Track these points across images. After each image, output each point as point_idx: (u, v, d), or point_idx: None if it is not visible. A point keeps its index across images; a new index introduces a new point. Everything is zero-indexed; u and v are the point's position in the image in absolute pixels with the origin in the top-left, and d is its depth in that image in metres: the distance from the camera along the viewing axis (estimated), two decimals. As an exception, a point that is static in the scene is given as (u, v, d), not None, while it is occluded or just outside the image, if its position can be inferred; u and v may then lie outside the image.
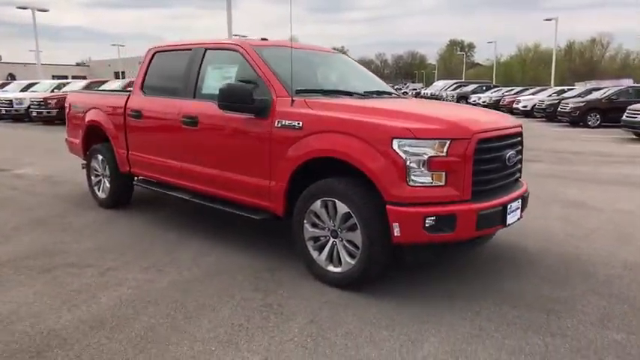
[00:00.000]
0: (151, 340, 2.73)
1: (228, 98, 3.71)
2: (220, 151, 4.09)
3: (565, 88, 24.00)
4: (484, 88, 29.78)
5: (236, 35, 44.80)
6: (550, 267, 3.86)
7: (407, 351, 2.63)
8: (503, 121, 3.65)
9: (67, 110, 6.27)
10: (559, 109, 18.06)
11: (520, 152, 3.70)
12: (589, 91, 19.25)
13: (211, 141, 4.17)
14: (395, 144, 3.04)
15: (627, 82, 36.17)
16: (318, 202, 3.43)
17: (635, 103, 14.20)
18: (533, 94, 23.68)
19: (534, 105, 20.95)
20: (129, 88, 6.69)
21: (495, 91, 27.99)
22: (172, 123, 4.48)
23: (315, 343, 2.69)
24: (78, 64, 69.88)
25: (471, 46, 78.13)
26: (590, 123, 16.79)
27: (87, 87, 16.99)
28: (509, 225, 3.42)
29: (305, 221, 3.54)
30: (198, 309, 3.11)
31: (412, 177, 3.02)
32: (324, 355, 2.58)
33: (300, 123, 3.47)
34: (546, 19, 34.92)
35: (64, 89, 17.95)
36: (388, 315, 3.03)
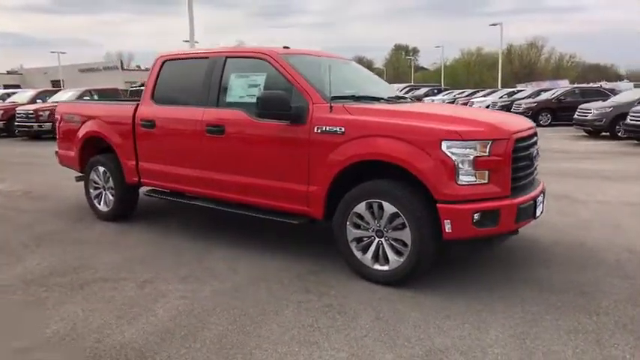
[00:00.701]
0: (230, 346, 2.77)
1: (267, 106, 3.78)
2: (252, 158, 4.14)
3: (515, 89, 25.43)
4: (435, 90, 30.98)
5: (186, 41, 43.83)
6: (564, 255, 4.20)
7: (476, 337, 2.82)
8: (524, 122, 3.95)
9: (57, 122, 6.05)
10: (512, 109, 19.15)
11: (538, 150, 4.01)
12: (538, 92, 20.54)
13: (241, 148, 4.20)
14: (444, 146, 3.24)
15: (563, 83, 38.78)
16: (363, 204, 3.56)
17: (582, 103, 15.35)
18: (485, 96, 24.93)
19: (488, 106, 22.07)
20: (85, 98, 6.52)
21: (447, 94, 29.20)
22: (194, 132, 4.47)
23: (390, 337, 2.83)
24: (9, 72, 65.65)
25: (415, 51, 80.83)
26: (541, 122, 17.93)
27: (35, 95, 16.02)
28: (537, 217, 3.71)
29: (348, 223, 3.66)
30: (260, 314, 3.16)
31: (460, 176, 3.24)
32: (405, 347, 2.72)
33: (343, 128, 3.60)
34: (492, 24, 36.92)
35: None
36: (442, 307, 3.21)
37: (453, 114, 3.67)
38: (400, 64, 75.13)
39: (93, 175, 5.63)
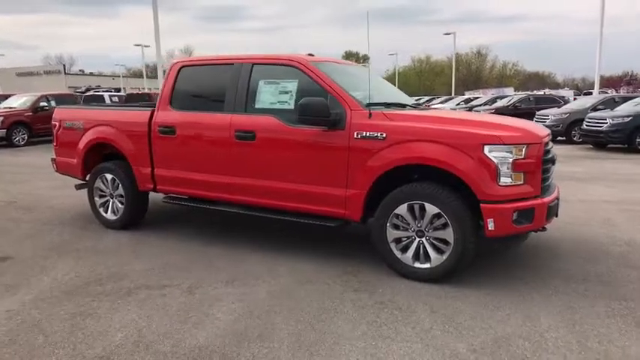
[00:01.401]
0: (309, 343, 2.87)
1: (308, 112, 3.91)
2: (285, 163, 4.24)
3: (471, 97, 26.63)
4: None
5: (137, 45, 42.38)
6: (573, 249, 4.58)
7: (531, 325, 3.07)
8: (542, 127, 4.29)
9: (55, 128, 5.85)
10: (470, 115, 20.08)
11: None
12: (494, 100, 21.67)
13: (273, 154, 4.29)
14: (486, 149, 3.50)
15: (509, 91, 40.93)
16: (404, 206, 3.76)
17: (535, 109, 16.40)
18: (442, 102, 25.95)
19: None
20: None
21: (419, 99, 30.03)
22: (221, 138, 4.51)
23: (455, 328, 3.03)
24: None
25: (366, 58, 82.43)
26: (498, 128, 18.88)
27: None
28: (557, 216, 4.05)
29: (388, 224, 3.85)
30: (321, 313, 3.27)
31: (501, 178, 3.51)
32: (472, 336, 2.93)
33: (384, 134, 3.79)
34: (446, 33, 38.61)
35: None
36: (487, 300, 3.45)
37: (485, 120, 3.96)
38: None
39: (98, 183, 5.51)
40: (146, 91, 29.76)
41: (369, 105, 4.06)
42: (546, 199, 3.70)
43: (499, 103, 20.28)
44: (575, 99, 20.51)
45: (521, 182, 3.58)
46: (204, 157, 4.69)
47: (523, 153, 3.56)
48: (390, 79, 56.34)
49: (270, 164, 4.32)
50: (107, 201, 5.51)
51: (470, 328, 3.03)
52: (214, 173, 4.63)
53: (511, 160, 3.52)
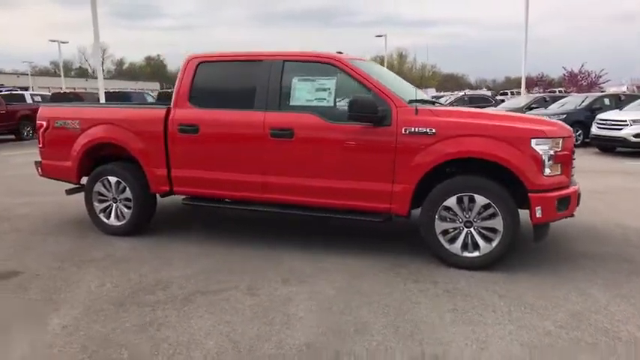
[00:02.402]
0: (409, 333, 2.94)
1: (358, 109, 3.95)
2: (328, 160, 4.23)
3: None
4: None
5: (53, 41, 38.90)
6: (589, 234, 4.94)
7: (592, 301, 3.35)
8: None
9: (42, 127, 5.34)
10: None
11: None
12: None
13: (315, 151, 4.27)
14: (533, 143, 3.77)
15: (431, 92, 43.18)
16: (454, 198, 3.94)
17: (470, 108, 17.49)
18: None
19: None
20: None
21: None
22: (254, 136, 4.41)
23: (530, 309, 3.24)
24: None
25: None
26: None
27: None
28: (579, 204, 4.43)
29: (436, 216, 4.00)
30: (402, 303, 3.35)
31: (545, 169, 3.80)
32: (551, 315, 3.15)
33: (434, 129, 3.93)
34: (377, 35, 39.92)
35: None
36: (539, 282, 3.70)
37: (521, 116, 4.25)
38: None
39: (99, 187, 5.12)
40: (67, 90, 27.55)
41: (412, 102, 4.19)
42: (576, 187, 4.06)
43: (436, 103, 21.37)
44: (502, 100, 22.12)
45: (559, 173, 3.90)
46: (232, 156, 4.55)
47: (560, 145, 3.88)
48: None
49: (310, 161, 4.30)
50: (109, 206, 5.13)
51: (544, 308, 3.26)
52: (244, 172, 4.51)
53: (552, 152, 3.82)
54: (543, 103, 15.62)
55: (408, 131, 3.99)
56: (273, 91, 4.43)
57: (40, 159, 5.48)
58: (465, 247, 3.99)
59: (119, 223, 5.09)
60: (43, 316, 3.23)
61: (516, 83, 48.13)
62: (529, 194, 3.78)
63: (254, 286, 3.70)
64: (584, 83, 39.47)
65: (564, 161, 3.92)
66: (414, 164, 3.98)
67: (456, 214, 3.98)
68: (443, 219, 4.01)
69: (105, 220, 5.14)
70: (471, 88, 57.79)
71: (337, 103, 4.31)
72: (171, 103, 4.79)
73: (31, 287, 3.75)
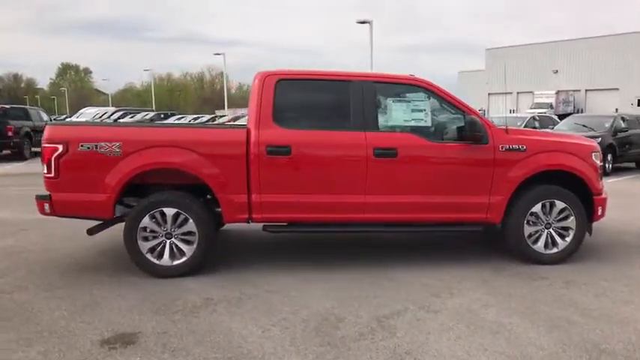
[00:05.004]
0: (598, 315, 3.47)
1: (474, 129, 4.34)
2: (431, 177, 4.47)
3: (226, 115, 28.01)
4: (162, 115, 30.15)
5: None
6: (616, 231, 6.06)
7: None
8: None
9: (56, 152, 4.17)
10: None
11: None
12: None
13: (417, 169, 4.46)
14: (593, 156, 4.74)
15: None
16: (539, 205, 4.63)
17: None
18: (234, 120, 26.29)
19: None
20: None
21: (180, 118, 29.07)
22: (357, 157, 4.37)
23: (610, 291, 4.01)
24: None
25: (87, 71, 73.80)
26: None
27: None
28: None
29: (524, 222, 4.63)
30: (555, 301, 3.84)
31: (598, 177, 4.80)
32: (624, 295, 3.98)
33: (524, 146, 4.56)
34: (216, 54, 39.68)
35: None
36: (597, 269, 4.57)
37: (567, 134, 5.21)
38: (84, 86, 67.70)
39: (148, 222, 4.27)
40: None
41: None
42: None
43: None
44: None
45: (600, 180, 4.96)
46: (331, 177, 4.39)
47: (599, 157, 4.95)
48: (144, 94, 52.85)
49: (414, 179, 4.47)
50: (161, 243, 4.32)
51: (620, 290, 4.04)
52: (344, 193, 4.41)
53: (599, 162, 4.86)
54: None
55: (504, 148, 4.54)
56: (369, 111, 4.47)
57: (47, 193, 4.24)
58: (546, 245, 4.71)
59: (176, 263, 4.33)
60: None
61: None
62: (594, 197, 4.73)
63: (426, 303, 3.73)
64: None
65: (601, 171, 4.99)
66: (509, 177, 4.55)
67: (539, 218, 4.67)
68: (529, 223, 4.66)
69: (155, 260, 4.30)
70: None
71: (432, 123, 4.61)
72: (250, 123, 4.36)
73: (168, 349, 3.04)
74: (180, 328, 3.31)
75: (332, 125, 4.47)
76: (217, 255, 4.83)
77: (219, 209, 4.42)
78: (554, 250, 4.72)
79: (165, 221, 4.28)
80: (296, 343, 3.10)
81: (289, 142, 4.33)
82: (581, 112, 33.75)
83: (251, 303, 3.75)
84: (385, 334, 3.21)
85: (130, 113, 31.94)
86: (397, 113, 4.58)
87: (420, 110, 4.60)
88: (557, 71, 39.15)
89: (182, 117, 30.67)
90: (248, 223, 4.47)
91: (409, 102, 4.60)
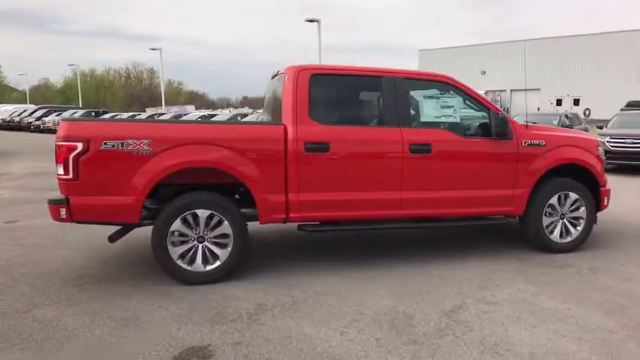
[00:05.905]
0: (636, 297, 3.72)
1: (502, 125, 4.47)
2: (463, 172, 4.55)
3: (156, 112, 26.85)
4: (93, 113, 28.21)
5: None
6: (625, 226, 6.36)
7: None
8: None
9: (76, 151, 3.75)
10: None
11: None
12: (179, 116, 22.81)
13: (450, 165, 4.52)
14: (599, 149, 5.06)
15: (191, 109, 42.79)
16: (556, 197, 4.87)
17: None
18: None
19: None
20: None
21: (115, 115, 27.35)
22: (394, 153, 4.35)
23: (625, 277, 4.33)
24: None
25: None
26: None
27: None
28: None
29: (543, 214, 4.85)
30: (580, 283, 4.07)
31: (603, 170, 5.14)
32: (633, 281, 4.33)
33: (544, 142, 4.77)
34: (152, 49, 37.14)
35: None
36: (612, 258, 4.95)
37: (574, 130, 5.49)
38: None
39: (178, 226, 3.97)
40: None
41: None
42: (606, 185, 5.56)
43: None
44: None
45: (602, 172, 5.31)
46: (368, 174, 4.33)
47: (602, 151, 5.30)
48: (67, 91, 48.73)
49: (447, 175, 4.52)
50: (192, 248, 4.03)
51: (628, 275, 4.39)
52: (381, 190, 4.37)
53: (603, 156, 5.20)
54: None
55: (526, 143, 4.72)
56: (403, 107, 4.46)
57: (63, 196, 3.80)
58: (560, 235, 4.97)
59: (209, 268, 4.07)
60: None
61: (258, 102, 52.49)
62: (600, 188, 5.05)
63: (478, 295, 3.78)
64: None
65: (602, 163, 5.34)
66: (531, 171, 4.74)
67: (554, 209, 4.92)
68: (546, 214, 4.89)
69: (186, 267, 4.01)
70: (214, 106, 59.03)
71: (460, 118, 4.69)
72: (285, 119, 4.19)
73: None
74: (252, 337, 3.10)
75: (367, 121, 4.41)
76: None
77: (248, 210, 4.21)
78: (568, 239, 4.99)
79: (197, 224, 4.01)
80: (382, 344, 3.02)
81: (327, 138, 4.21)
82: (508, 111, 36.08)
83: (308, 306, 3.60)
84: (463, 329, 3.22)
85: (56, 111, 29.79)
86: (428, 109, 4.61)
87: (449, 106, 4.67)
88: (484, 72, 41.59)
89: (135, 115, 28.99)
90: (284, 223, 4.30)
91: (438, 98, 4.65)
